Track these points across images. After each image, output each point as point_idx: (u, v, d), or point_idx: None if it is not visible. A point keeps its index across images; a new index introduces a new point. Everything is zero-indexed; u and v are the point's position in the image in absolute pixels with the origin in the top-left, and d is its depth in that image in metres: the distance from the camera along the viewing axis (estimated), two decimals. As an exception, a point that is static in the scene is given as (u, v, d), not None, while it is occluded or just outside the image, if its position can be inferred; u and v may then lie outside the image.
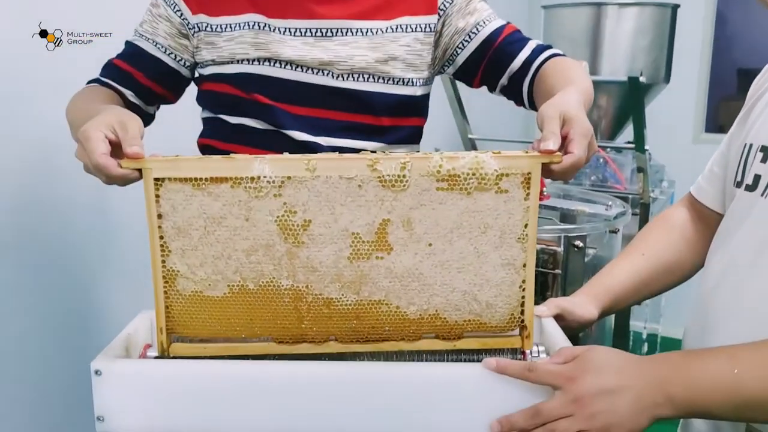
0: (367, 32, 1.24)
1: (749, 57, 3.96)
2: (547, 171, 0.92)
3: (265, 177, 0.91)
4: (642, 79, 2.53)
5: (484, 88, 1.38)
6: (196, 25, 1.25)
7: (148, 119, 1.35)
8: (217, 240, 0.94)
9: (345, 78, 1.24)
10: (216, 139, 1.31)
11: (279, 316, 0.97)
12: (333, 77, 1.24)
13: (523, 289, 0.97)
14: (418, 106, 1.34)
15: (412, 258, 0.94)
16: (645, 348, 3.34)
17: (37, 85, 1.58)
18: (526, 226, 0.93)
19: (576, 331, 1.16)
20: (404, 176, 0.91)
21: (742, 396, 0.82)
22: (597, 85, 1.32)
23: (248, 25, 1.23)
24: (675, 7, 3.13)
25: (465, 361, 0.99)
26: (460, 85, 2.96)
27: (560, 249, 1.99)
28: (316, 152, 1.01)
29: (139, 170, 0.92)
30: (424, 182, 0.91)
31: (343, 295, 0.96)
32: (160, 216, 0.93)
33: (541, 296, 1.88)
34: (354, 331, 0.98)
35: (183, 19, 1.26)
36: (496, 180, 0.91)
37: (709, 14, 3.92)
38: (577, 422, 0.84)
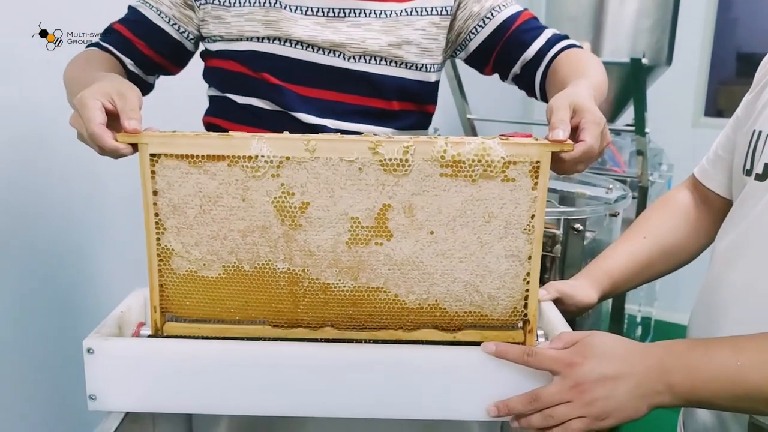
0: (380, 14, 1.20)
1: (749, 41, 3.96)
2: (557, 161, 0.90)
3: (263, 156, 0.88)
4: (644, 60, 2.49)
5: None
6: None
7: (147, 88, 1.31)
8: (213, 219, 0.92)
9: (357, 60, 1.20)
10: (222, 118, 1.27)
11: (274, 299, 0.95)
12: (345, 59, 1.20)
13: (528, 282, 0.94)
14: (431, 92, 1.30)
15: (412, 245, 0.92)
16: (639, 331, 3.34)
17: (37, 85, 1.56)
18: (532, 217, 0.91)
19: (575, 315, 1.15)
20: (407, 160, 0.88)
21: (744, 387, 0.81)
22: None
23: (259, 1, 1.18)
24: (678, -11, 3.09)
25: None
26: (459, 64, 2.94)
27: (559, 232, 1.96)
28: None
29: (135, 145, 0.89)
30: (427, 167, 0.89)
31: (340, 280, 0.94)
32: (155, 193, 0.91)
33: (539, 279, 1.87)
34: (350, 318, 0.96)
35: None
36: (503, 168, 0.88)
37: (712, -3, 3.89)
38: (576, 408, 0.84)
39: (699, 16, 3.89)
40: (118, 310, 1.01)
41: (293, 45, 1.18)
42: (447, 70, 2.76)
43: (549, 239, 1.96)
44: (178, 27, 1.24)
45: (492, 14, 1.24)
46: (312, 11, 1.18)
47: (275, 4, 1.17)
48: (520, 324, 0.97)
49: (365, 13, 1.19)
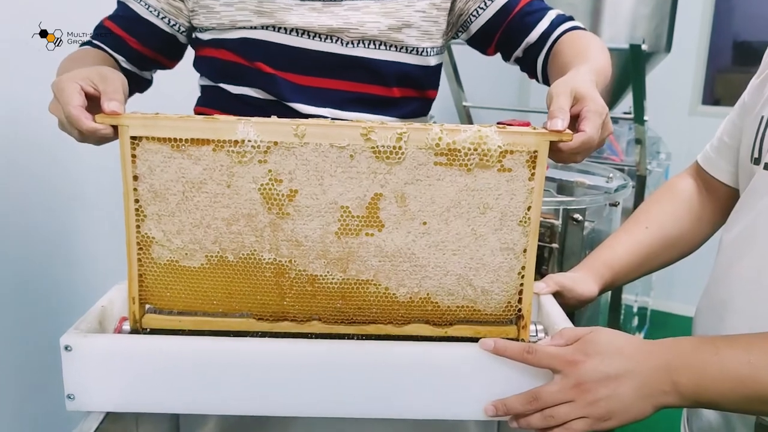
0: None
1: (746, 29, 3.97)
2: (555, 151, 0.86)
3: (249, 141, 0.85)
4: (644, 47, 2.44)
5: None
6: None
7: (144, 84, 1.27)
8: (196, 207, 0.88)
9: (355, 45, 1.15)
10: (215, 108, 1.21)
11: (259, 291, 0.91)
12: (342, 44, 1.14)
13: (522, 276, 0.91)
14: (431, 77, 1.25)
15: (404, 237, 0.88)
16: (635, 322, 3.33)
17: (37, 85, 1.52)
18: (529, 208, 0.87)
19: (575, 309, 1.13)
20: (400, 148, 0.84)
21: (756, 388, 0.78)
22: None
23: None
24: (678, -25, 3.04)
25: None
26: (455, 50, 2.89)
27: (558, 222, 1.92)
28: None
29: (116, 128, 0.85)
30: (421, 156, 0.85)
31: (328, 272, 0.90)
32: (136, 178, 0.87)
33: (537, 271, 1.84)
34: (339, 312, 0.92)
35: None
36: (500, 157, 0.85)
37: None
38: (578, 408, 0.81)
39: (697, 3, 3.87)
40: (99, 304, 0.97)
41: (288, 32, 1.13)
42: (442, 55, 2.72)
43: (547, 230, 1.92)
44: (168, 20, 1.19)
45: None
46: None
47: None
48: (514, 319, 0.93)
49: None
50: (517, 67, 1.29)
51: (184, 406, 0.89)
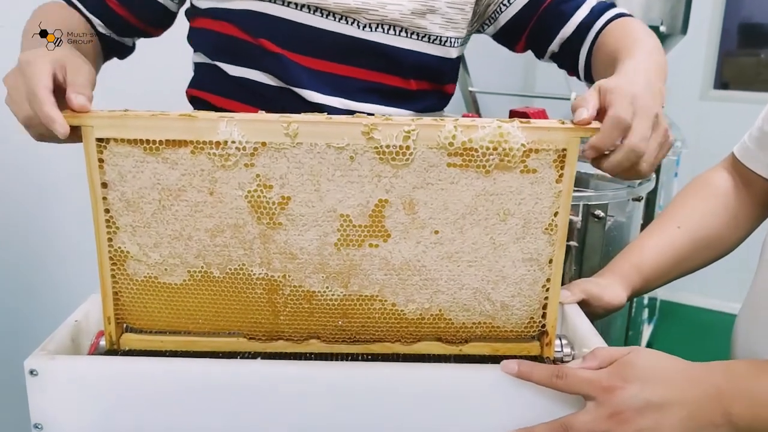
0: None
1: (753, 11, 3.92)
2: (597, 159, 0.77)
3: (233, 142, 0.75)
4: (662, 28, 2.34)
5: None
6: None
7: (125, 51, 1.16)
8: (175, 217, 0.78)
9: (373, 29, 1.03)
10: (210, 91, 1.09)
11: (250, 309, 0.82)
12: (359, 27, 1.02)
13: (547, 290, 0.81)
14: (451, 70, 1.14)
15: (413, 247, 0.79)
16: (645, 314, 3.25)
17: None
18: (556, 214, 0.78)
19: (601, 317, 1.03)
20: (408, 148, 0.75)
21: None
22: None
23: None
24: (692, -46, 2.94)
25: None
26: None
27: (578, 218, 1.82)
28: None
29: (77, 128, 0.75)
30: (432, 156, 0.75)
31: (327, 288, 0.81)
32: (105, 185, 0.78)
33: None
34: (340, 330, 0.83)
35: None
36: (523, 157, 0.75)
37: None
38: None
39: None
40: (72, 318, 0.87)
41: (299, 8, 1.01)
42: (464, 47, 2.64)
43: (566, 226, 1.83)
44: None
45: None
46: None
47: None
48: (537, 335, 0.84)
49: None
50: (522, 55, 1.19)
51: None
